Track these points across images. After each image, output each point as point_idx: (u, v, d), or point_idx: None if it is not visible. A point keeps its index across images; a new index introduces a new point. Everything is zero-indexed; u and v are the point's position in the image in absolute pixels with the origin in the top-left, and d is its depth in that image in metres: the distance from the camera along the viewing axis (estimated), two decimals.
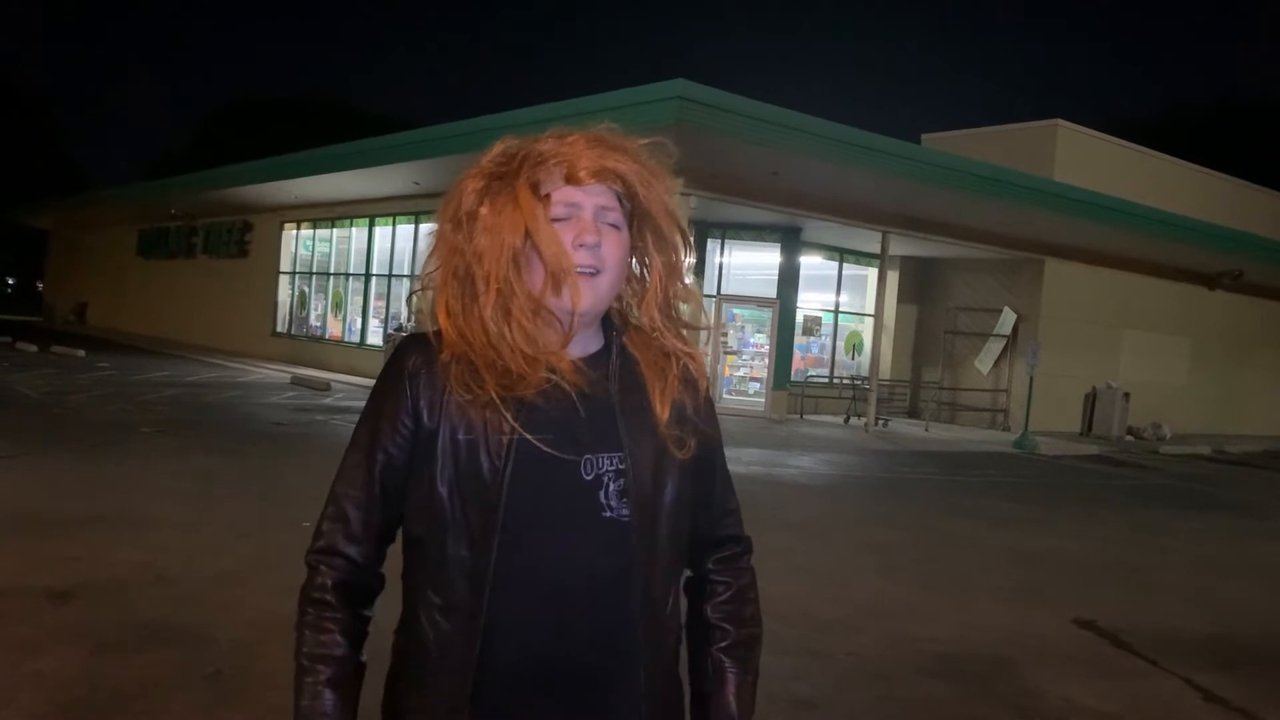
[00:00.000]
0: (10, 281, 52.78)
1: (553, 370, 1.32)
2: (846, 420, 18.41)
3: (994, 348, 19.86)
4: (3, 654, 4.06)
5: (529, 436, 1.30)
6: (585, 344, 1.39)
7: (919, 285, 21.25)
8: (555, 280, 1.31)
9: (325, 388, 17.38)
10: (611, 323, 1.43)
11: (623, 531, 1.32)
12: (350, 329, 22.41)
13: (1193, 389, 22.39)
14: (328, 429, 12.01)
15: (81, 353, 20.93)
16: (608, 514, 1.32)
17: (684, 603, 1.49)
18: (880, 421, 18.07)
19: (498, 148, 1.38)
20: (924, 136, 22.25)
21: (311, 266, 24.06)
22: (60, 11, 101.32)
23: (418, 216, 20.15)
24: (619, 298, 1.43)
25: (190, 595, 5.04)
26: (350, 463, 1.38)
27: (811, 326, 19.83)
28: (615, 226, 1.36)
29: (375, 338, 21.06)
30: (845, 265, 20.45)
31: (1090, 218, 16.94)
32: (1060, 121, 20.41)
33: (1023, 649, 5.29)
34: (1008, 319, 19.66)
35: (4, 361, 18.22)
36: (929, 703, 4.46)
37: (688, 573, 1.51)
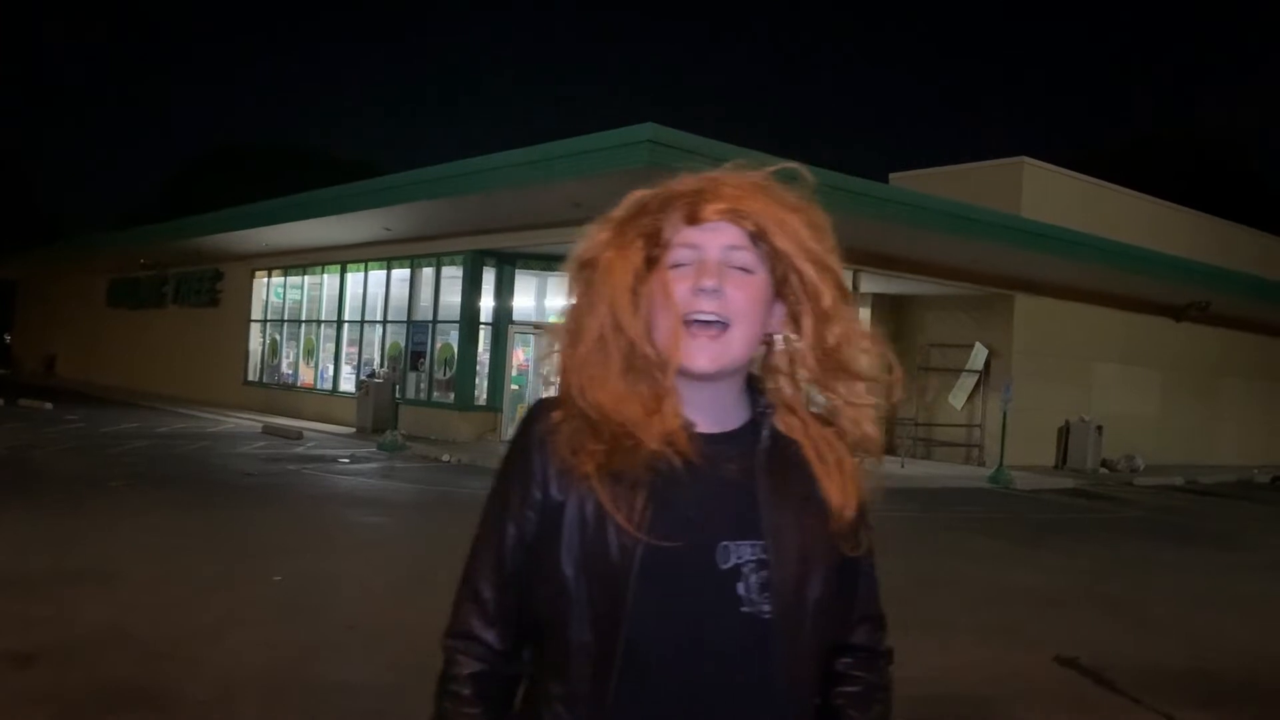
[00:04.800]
0: None
1: (671, 444, 1.17)
2: None
3: (967, 383, 19.98)
4: None
5: (626, 526, 1.15)
6: (723, 417, 1.25)
7: (891, 322, 21.35)
8: (640, 337, 1.18)
9: (297, 436, 17.21)
10: (759, 395, 1.27)
11: (764, 629, 1.17)
12: (323, 376, 22.25)
13: (1164, 420, 22.59)
14: (299, 479, 11.75)
15: (49, 405, 20.66)
16: (746, 609, 1.17)
17: None
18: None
19: (631, 197, 1.26)
20: (892, 175, 22.52)
21: (283, 314, 23.93)
22: (28, 62, 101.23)
23: (389, 262, 20.13)
24: (770, 358, 1.28)
25: (159, 654, 4.92)
26: (482, 538, 1.27)
27: None
28: (746, 269, 1.21)
29: (348, 384, 20.92)
30: None
31: (1057, 252, 17.14)
32: (1025, 159, 20.72)
33: (1005, 689, 5.26)
34: (980, 354, 19.81)
35: None
36: None
37: None
